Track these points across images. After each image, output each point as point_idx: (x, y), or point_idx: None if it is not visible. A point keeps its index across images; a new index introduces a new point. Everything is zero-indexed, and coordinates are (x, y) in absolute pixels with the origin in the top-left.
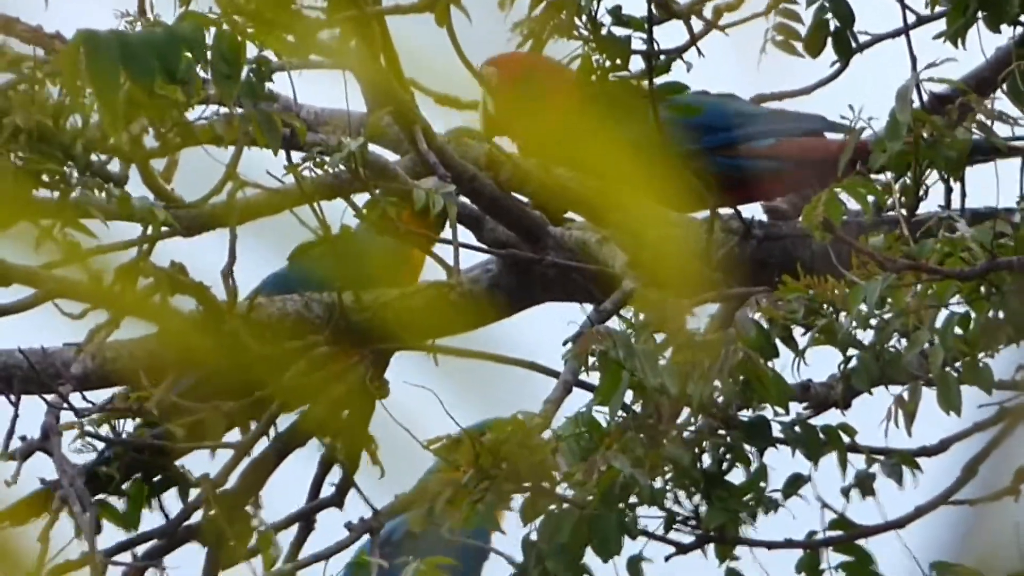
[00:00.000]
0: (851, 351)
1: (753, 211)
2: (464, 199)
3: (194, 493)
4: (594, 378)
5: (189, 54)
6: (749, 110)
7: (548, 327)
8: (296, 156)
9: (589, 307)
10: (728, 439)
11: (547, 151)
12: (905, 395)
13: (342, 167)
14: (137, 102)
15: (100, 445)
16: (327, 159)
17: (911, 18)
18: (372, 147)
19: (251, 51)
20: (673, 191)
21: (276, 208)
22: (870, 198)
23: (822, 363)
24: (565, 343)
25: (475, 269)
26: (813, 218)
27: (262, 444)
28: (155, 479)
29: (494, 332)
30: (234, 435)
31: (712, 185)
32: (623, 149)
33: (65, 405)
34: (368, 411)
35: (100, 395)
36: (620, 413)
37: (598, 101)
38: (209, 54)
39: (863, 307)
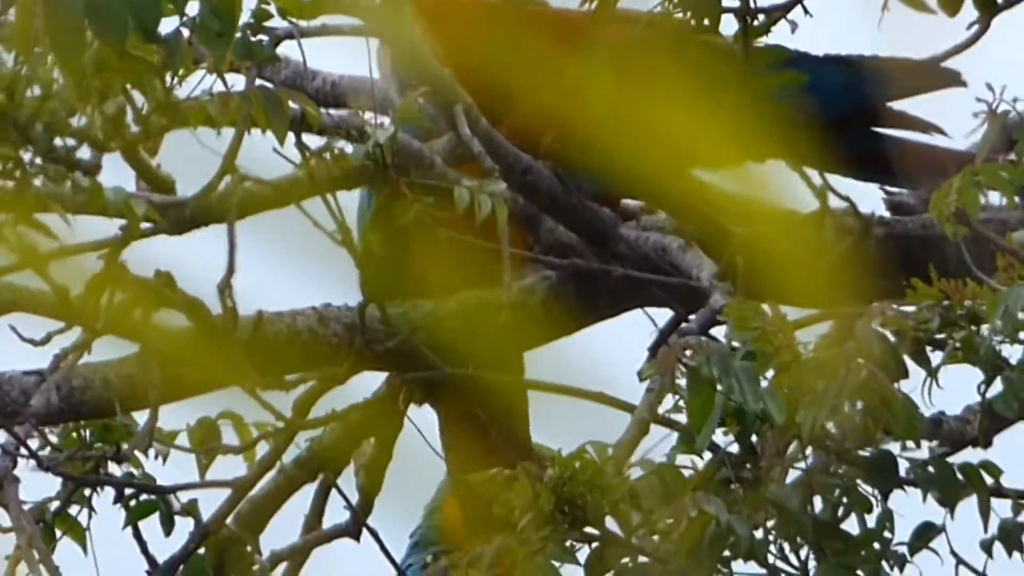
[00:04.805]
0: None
1: (873, 204)
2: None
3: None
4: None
5: (171, 5)
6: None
7: (623, 335)
8: (307, 137)
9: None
10: (845, 479)
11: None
12: None
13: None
14: (108, 66)
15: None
16: (348, 150)
17: None
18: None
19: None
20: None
21: (282, 201)
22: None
23: (958, 394)
24: (647, 358)
25: (529, 276)
26: (944, 209)
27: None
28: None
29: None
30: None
31: (848, 166)
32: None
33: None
34: (391, 438)
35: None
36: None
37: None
38: (196, 5)
39: (998, 322)
